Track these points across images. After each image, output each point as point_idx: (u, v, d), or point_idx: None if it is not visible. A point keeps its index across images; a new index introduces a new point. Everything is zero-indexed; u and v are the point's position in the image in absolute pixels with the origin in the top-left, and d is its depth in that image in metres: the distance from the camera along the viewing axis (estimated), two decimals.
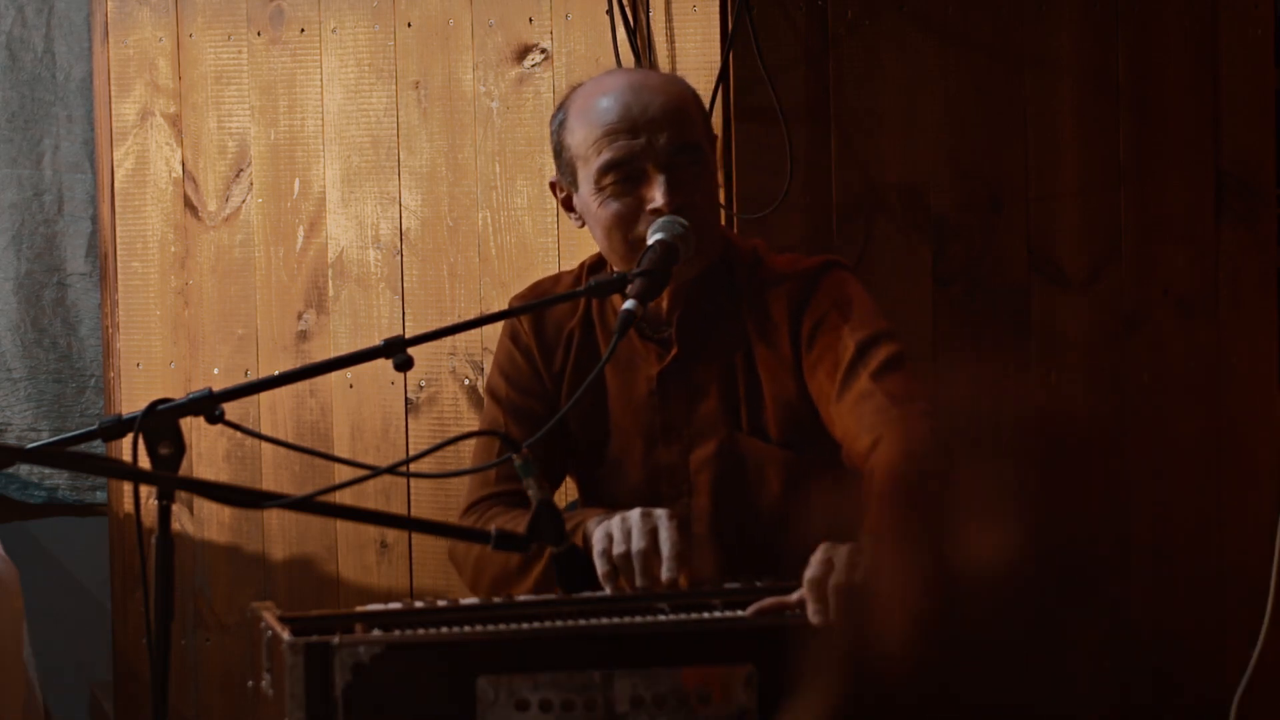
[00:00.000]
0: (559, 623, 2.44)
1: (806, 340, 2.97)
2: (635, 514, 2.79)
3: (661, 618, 2.47)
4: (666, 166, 2.93)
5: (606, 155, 2.94)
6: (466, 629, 2.42)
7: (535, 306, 3.08)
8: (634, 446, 3.06)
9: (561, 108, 3.04)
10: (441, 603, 2.58)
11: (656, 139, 2.93)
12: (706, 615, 2.47)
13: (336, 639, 2.37)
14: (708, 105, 3.42)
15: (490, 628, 2.41)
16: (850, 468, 2.89)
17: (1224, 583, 3.96)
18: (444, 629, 2.42)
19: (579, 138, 2.97)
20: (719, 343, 3.03)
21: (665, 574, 2.71)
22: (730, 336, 3.02)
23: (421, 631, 2.42)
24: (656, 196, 2.93)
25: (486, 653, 2.38)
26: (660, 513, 2.78)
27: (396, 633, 2.41)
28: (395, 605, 2.56)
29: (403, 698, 2.37)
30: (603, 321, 3.08)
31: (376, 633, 2.41)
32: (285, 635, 2.38)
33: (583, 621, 2.46)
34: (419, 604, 2.57)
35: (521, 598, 2.66)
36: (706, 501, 3.02)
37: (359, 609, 2.53)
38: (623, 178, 2.94)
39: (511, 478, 3.04)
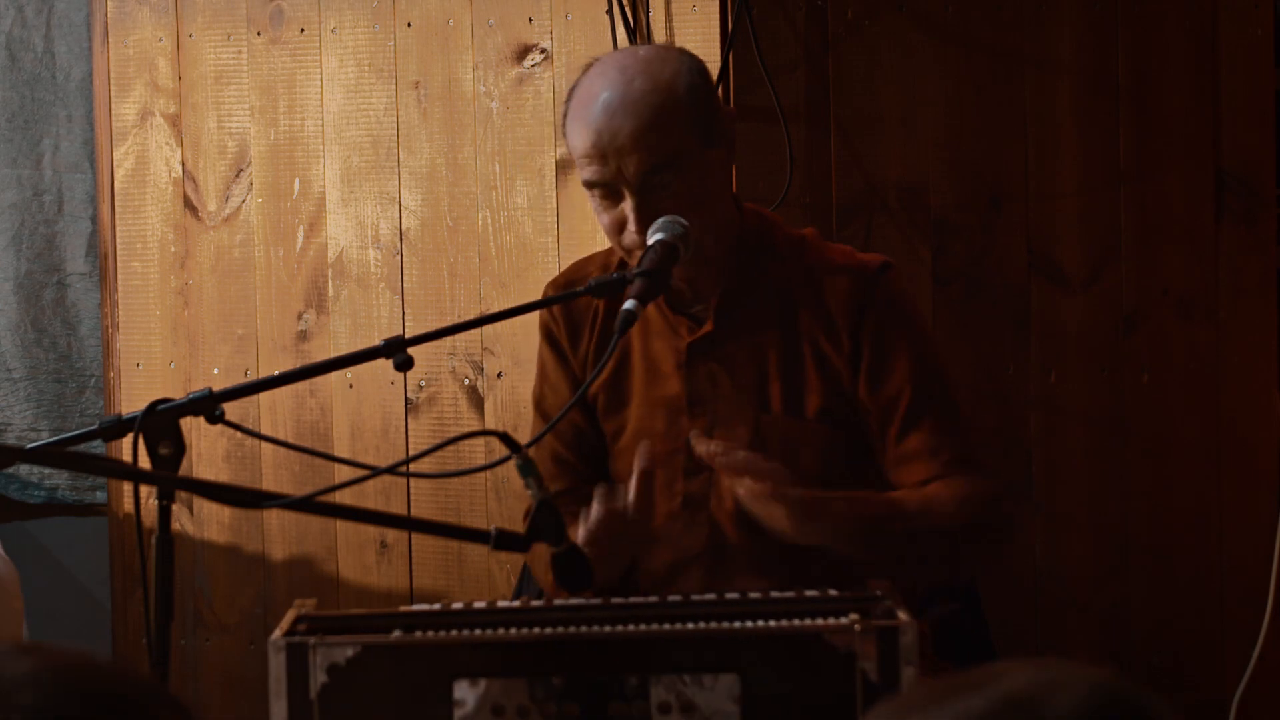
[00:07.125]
0: (538, 629, 2.40)
1: (869, 343, 3.00)
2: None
3: (645, 626, 2.43)
4: (639, 189, 2.93)
5: (584, 175, 2.98)
6: (443, 633, 2.40)
7: (531, 308, 3.08)
8: (658, 418, 3.07)
9: (571, 93, 3.04)
10: (479, 604, 2.54)
11: (625, 166, 2.93)
12: (690, 625, 2.42)
13: (312, 639, 2.36)
14: None
15: (467, 632, 2.39)
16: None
17: (1224, 583, 3.96)
18: (419, 633, 2.41)
19: (571, 141, 2.99)
20: (756, 321, 3.04)
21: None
22: (769, 316, 3.03)
23: (397, 634, 2.40)
24: (629, 220, 2.94)
25: (463, 656, 2.36)
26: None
27: (371, 635, 2.40)
28: (435, 606, 2.53)
29: (378, 700, 2.36)
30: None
31: (348, 635, 2.40)
32: (276, 634, 2.39)
33: (562, 629, 2.41)
34: (457, 605, 2.54)
35: (502, 604, 2.62)
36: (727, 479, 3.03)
37: (402, 609, 2.51)
38: (603, 195, 2.97)
39: (575, 448, 3.13)
